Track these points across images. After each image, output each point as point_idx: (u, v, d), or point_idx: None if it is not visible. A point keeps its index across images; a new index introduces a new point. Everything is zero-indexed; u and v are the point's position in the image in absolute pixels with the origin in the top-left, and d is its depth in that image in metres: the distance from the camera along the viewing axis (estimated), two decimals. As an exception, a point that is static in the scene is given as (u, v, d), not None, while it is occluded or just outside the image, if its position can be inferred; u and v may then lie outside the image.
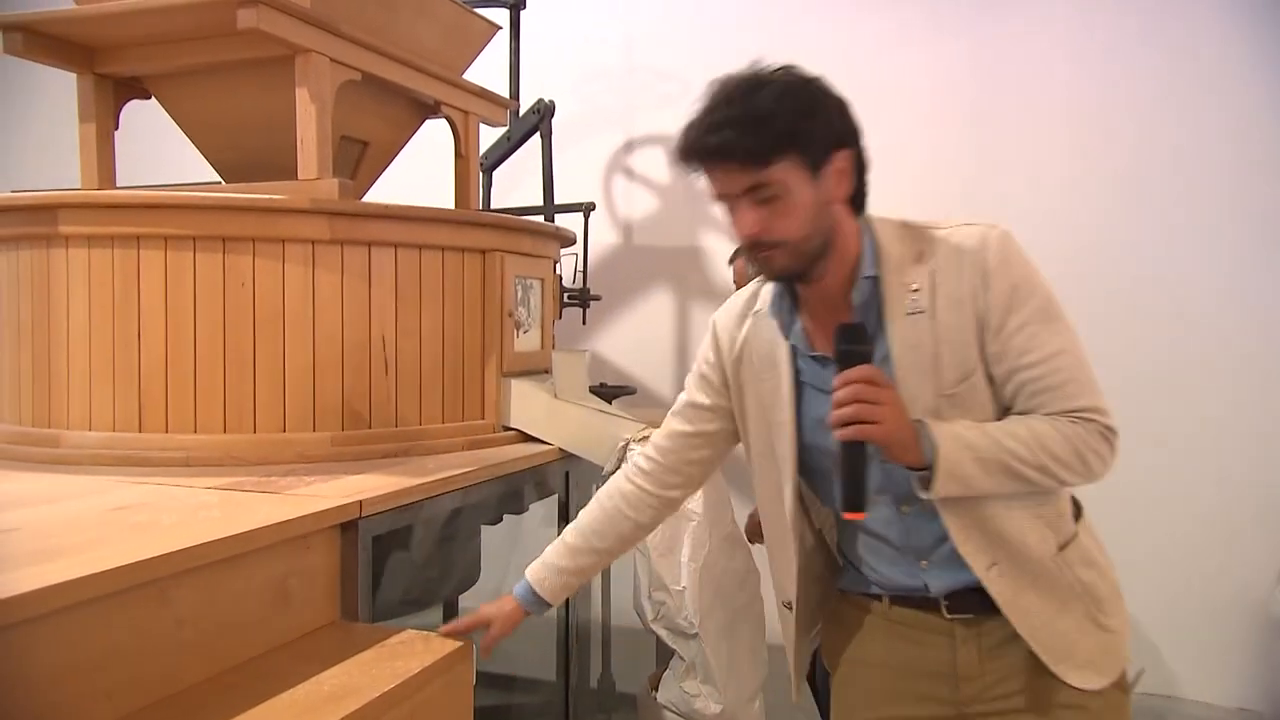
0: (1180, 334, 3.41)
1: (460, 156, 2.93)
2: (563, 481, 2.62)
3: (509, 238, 2.56)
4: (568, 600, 2.61)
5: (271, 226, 2.18)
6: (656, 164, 4.09)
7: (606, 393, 3.05)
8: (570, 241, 3.01)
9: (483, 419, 2.54)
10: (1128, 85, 3.45)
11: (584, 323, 3.25)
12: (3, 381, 2.35)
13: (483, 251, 2.51)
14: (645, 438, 2.43)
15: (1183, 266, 3.41)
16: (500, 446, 2.51)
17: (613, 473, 2.44)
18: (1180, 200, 3.41)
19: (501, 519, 2.71)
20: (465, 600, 3.48)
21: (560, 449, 2.53)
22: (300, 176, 2.31)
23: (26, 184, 3.56)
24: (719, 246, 3.81)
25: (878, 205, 1.42)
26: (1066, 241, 3.43)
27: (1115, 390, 1.37)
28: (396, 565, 2.15)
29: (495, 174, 3.75)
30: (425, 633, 1.71)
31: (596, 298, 3.14)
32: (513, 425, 2.58)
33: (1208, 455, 3.38)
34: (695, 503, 2.40)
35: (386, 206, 2.27)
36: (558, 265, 3.01)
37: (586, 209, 3.15)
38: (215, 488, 1.89)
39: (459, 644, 1.68)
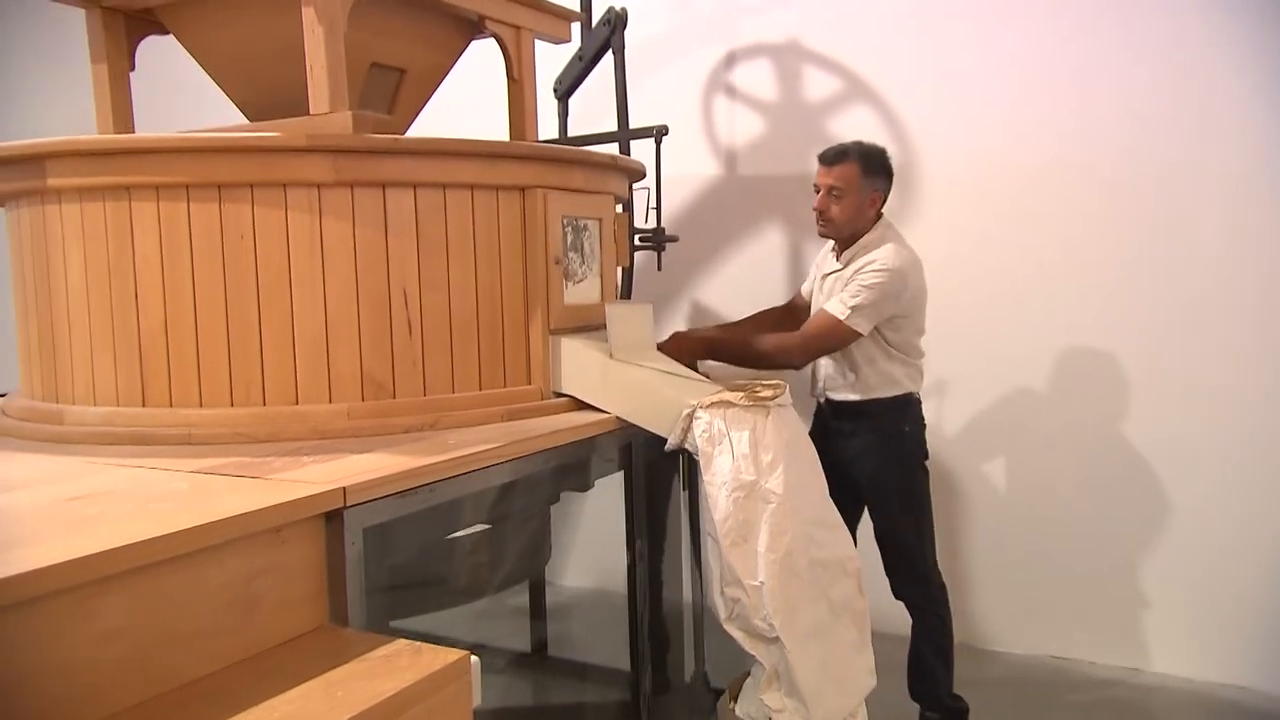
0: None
1: (513, 80, 2.75)
2: (624, 455, 2.43)
3: (553, 171, 2.36)
4: (635, 579, 2.44)
5: (269, 169, 2.06)
6: (763, 78, 3.79)
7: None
8: (640, 174, 2.78)
9: (529, 384, 2.38)
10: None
11: (659, 268, 3.03)
12: (23, 354, 2.34)
13: (521, 189, 2.33)
14: (717, 404, 2.21)
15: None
16: (549, 416, 2.34)
17: (677, 448, 2.25)
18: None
19: (558, 498, 2.56)
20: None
21: (618, 418, 2.34)
22: (312, 110, 2.18)
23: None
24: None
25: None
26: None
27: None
28: (414, 557, 2.02)
29: (574, 101, 3.55)
30: (419, 644, 1.56)
31: (672, 239, 2.91)
32: (564, 391, 2.40)
33: None
34: (775, 481, 2.16)
35: (398, 140, 2.11)
36: (623, 203, 2.80)
37: (658, 133, 2.91)
38: (200, 471, 1.80)
39: (454, 658, 1.52)
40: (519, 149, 2.29)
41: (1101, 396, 3.32)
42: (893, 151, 3.27)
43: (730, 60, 3.86)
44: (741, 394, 2.23)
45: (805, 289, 3.02)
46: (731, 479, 2.17)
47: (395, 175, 2.14)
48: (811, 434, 2.99)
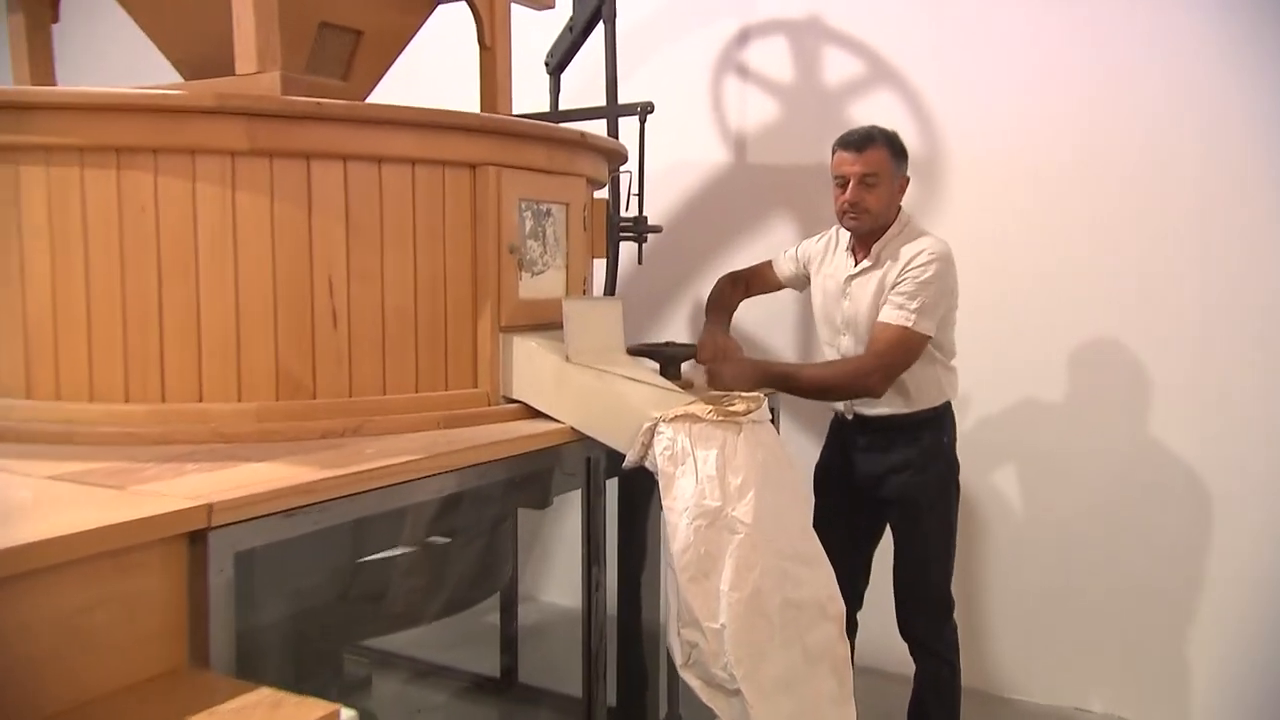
0: None
1: (485, 48, 2.53)
2: (584, 468, 2.20)
3: (508, 147, 2.14)
4: (591, 608, 2.22)
5: (175, 133, 1.86)
6: (779, 58, 3.55)
7: (673, 353, 2.60)
8: (621, 156, 2.56)
9: (474, 387, 2.16)
10: None
11: (639, 261, 2.80)
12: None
13: (471, 166, 2.12)
14: (681, 417, 1.98)
15: None
16: (496, 424, 2.13)
17: (636, 466, 2.03)
18: None
19: (513, 515, 2.35)
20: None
21: (574, 429, 2.12)
22: (238, 70, 1.98)
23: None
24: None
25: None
26: None
27: None
28: (321, 582, 1.81)
29: (571, 77, 3.34)
30: (281, 696, 1.35)
31: (655, 229, 2.68)
32: (516, 396, 2.18)
33: None
34: (744, 508, 1.94)
35: (322, 104, 1.90)
36: (602, 187, 2.57)
37: (642, 110, 2.67)
38: (58, 476, 1.60)
39: (319, 713, 1.31)
40: (467, 119, 2.07)
41: (1135, 412, 3.05)
42: (919, 142, 3.04)
43: (744, 37, 3.63)
44: (711, 408, 2.00)
45: (785, 270, 2.81)
46: (694, 504, 1.94)
47: (322, 145, 1.93)
48: (828, 451, 2.77)
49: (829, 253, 2.66)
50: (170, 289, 1.89)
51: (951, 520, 2.60)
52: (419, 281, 2.07)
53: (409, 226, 2.05)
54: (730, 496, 1.95)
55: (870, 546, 2.74)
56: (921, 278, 2.39)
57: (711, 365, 2.46)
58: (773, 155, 3.57)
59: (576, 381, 2.11)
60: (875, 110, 3.29)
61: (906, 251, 2.44)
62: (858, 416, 2.62)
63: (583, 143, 2.31)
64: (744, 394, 2.18)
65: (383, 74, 2.58)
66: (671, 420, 2.00)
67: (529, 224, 2.23)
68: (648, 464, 2.03)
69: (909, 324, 2.39)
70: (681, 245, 3.66)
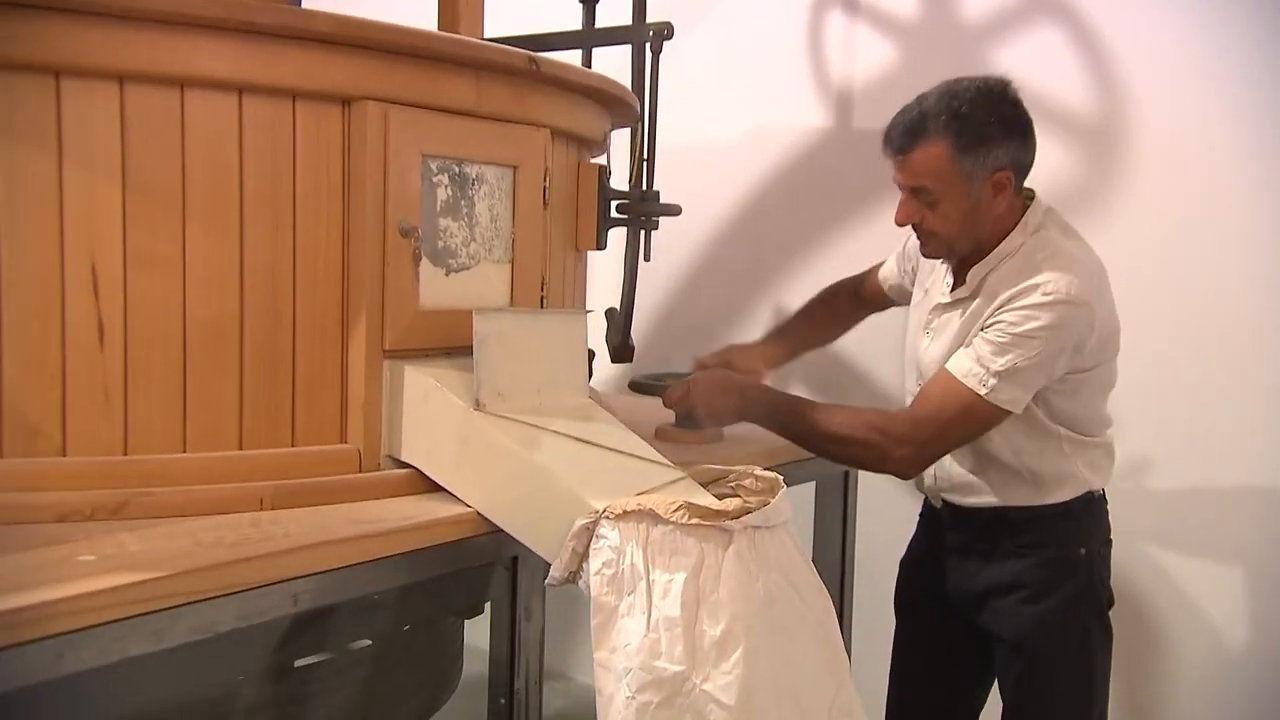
0: None
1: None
2: (507, 579, 1.51)
3: (404, 72, 1.48)
4: (513, 650, 1.54)
5: None
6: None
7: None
8: (619, 101, 1.86)
9: (339, 443, 1.50)
10: None
11: (646, 258, 2.06)
12: None
13: (344, 100, 1.45)
14: (634, 514, 1.28)
15: None
16: (371, 500, 1.46)
17: (564, 581, 1.34)
18: None
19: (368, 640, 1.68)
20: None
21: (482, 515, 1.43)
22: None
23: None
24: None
25: None
26: None
27: None
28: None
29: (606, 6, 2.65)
30: None
31: (669, 210, 1.94)
32: (406, 458, 1.51)
33: None
34: (723, 679, 1.24)
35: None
36: (597, 151, 1.87)
37: (654, 35, 1.92)
38: None
39: None
40: (328, 25, 1.39)
41: None
42: (1094, 99, 2.22)
43: (854, -41, 2.87)
44: (679, 502, 1.27)
45: (889, 276, 2.11)
46: (639, 666, 1.23)
47: (78, 54, 1.30)
48: (917, 544, 2.02)
49: (935, 261, 1.89)
50: None
51: (1093, 672, 1.80)
52: (246, 276, 1.42)
53: (231, 190, 1.40)
54: (703, 657, 1.23)
55: (976, 694, 1.95)
56: (1022, 327, 1.61)
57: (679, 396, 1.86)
58: (888, 119, 2.79)
59: (485, 441, 1.42)
60: (1034, 56, 2.50)
61: (1016, 287, 1.66)
62: (945, 504, 1.85)
63: (539, 74, 1.61)
64: (762, 473, 1.45)
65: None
66: (618, 518, 1.28)
67: (444, 194, 1.55)
68: (581, 584, 1.33)
69: (983, 391, 1.62)
70: (753, 239, 2.94)
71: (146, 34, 1.31)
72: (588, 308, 2.37)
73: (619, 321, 2.19)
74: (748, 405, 1.80)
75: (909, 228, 1.78)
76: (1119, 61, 2.46)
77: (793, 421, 1.77)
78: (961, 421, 1.68)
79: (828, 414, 1.74)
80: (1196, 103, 2.35)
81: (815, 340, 2.22)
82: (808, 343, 2.19)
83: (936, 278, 1.85)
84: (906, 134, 1.68)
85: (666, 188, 2.12)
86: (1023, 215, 1.74)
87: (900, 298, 2.10)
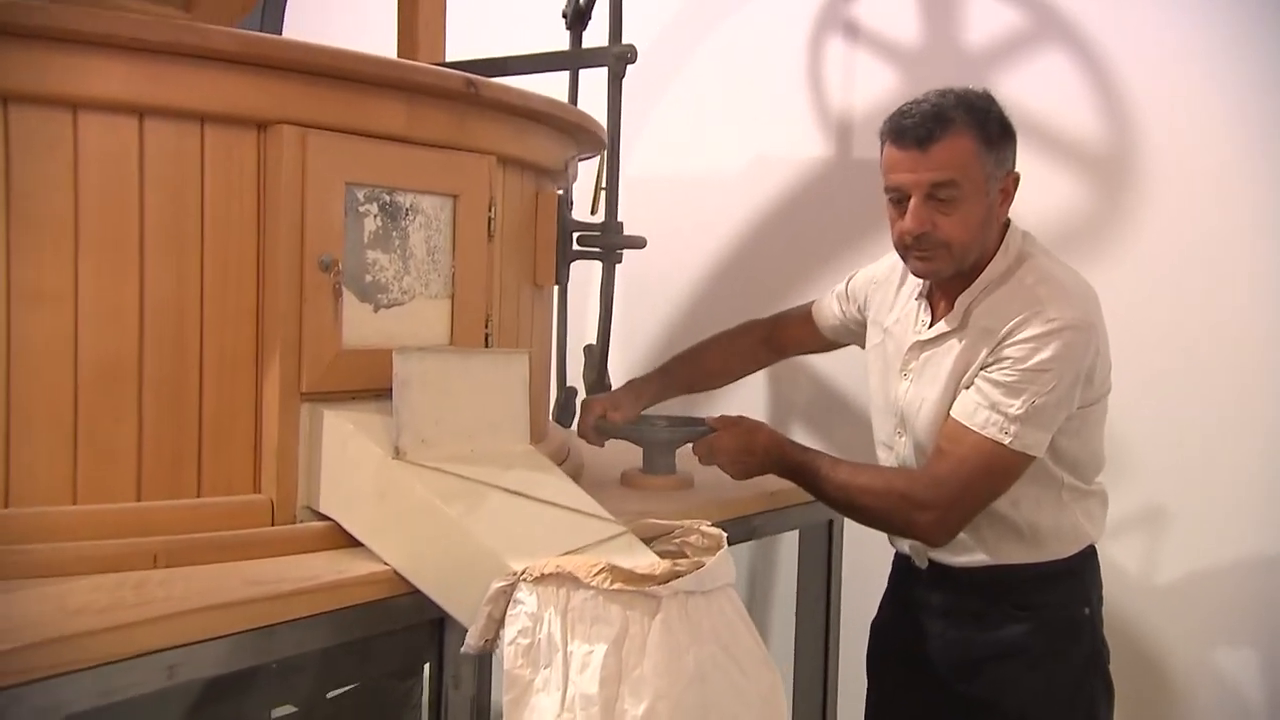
0: None
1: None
2: (433, 641, 1.40)
3: (325, 95, 1.39)
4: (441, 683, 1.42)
5: None
6: (903, 10, 2.69)
7: (657, 435, 1.79)
8: (582, 129, 1.76)
9: (251, 493, 1.40)
10: None
11: (608, 290, 1.95)
12: None
13: (258, 124, 1.36)
14: (551, 577, 1.17)
15: None
16: (284, 557, 1.36)
17: (480, 650, 1.23)
18: None
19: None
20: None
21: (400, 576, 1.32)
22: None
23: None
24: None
25: None
26: None
27: None
28: None
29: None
30: None
31: (634, 242, 1.82)
32: (325, 510, 1.41)
33: None
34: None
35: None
36: (558, 183, 1.77)
37: (615, 60, 1.82)
38: None
39: None
40: (230, 43, 1.30)
41: None
42: (1102, 124, 2.13)
43: (854, -16, 2.78)
44: (600, 566, 1.16)
45: (829, 317, 2.00)
46: (553, 751, 1.11)
47: (-37, 77, 1.22)
48: (887, 608, 1.89)
49: (894, 293, 1.78)
50: None
51: None
52: (147, 313, 1.32)
53: (130, 220, 1.31)
54: (622, 741, 1.11)
55: None
56: (1031, 361, 1.50)
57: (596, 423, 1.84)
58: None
59: (402, 492, 1.31)
60: (1039, 79, 2.42)
61: (1012, 310, 1.54)
62: (932, 564, 1.72)
63: (478, 97, 1.51)
64: (706, 528, 1.33)
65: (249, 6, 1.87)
66: (536, 581, 1.17)
67: (372, 225, 1.45)
68: (497, 650, 1.21)
69: (1005, 439, 1.50)
70: (751, 270, 2.85)
71: (28, 50, 1.22)
72: (567, 346, 2.27)
73: (594, 358, 2.09)
74: (767, 468, 1.71)
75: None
76: (1125, 88, 2.36)
77: (814, 484, 1.67)
78: (986, 475, 1.56)
79: (852, 475, 1.63)
80: (1204, 130, 2.24)
81: (700, 381, 2.12)
82: (689, 384, 2.09)
83: (903, 315, 1.74)
84: (932, 123, 1.55)
85: (663, 219, 2.03)
86: (1003, 238, 1.63)
87: (841, 338, 2.00)
